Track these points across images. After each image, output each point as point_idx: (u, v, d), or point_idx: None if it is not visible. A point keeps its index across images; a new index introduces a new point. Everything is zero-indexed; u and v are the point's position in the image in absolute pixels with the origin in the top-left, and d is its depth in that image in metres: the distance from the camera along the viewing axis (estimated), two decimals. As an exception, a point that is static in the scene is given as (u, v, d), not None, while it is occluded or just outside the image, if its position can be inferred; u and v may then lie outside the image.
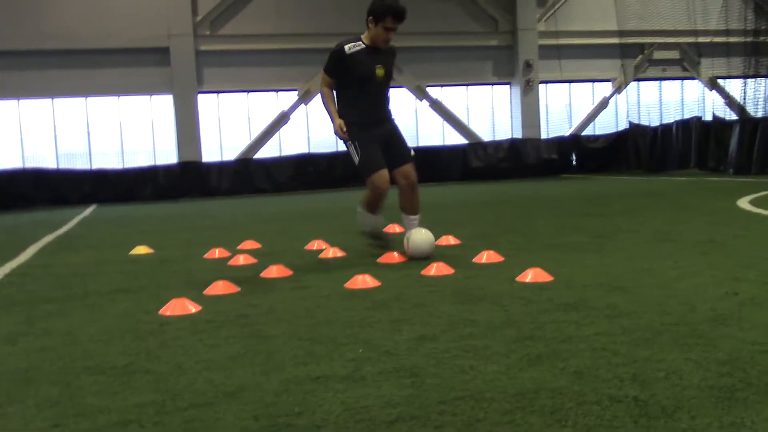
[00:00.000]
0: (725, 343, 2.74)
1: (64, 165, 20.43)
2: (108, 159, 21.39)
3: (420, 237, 5.38)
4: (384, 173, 5.51)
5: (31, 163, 20.34)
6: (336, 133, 5.56)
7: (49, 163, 20.59)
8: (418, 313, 3.57)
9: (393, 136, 5.63)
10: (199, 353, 3.03)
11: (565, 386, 2.34)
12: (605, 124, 25.10)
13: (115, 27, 20.29)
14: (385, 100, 5.62)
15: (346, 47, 5.40)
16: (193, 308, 3.94)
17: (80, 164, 20.65)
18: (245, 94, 22.14)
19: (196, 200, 18.56)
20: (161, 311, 3.91)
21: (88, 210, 15.93)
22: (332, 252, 5.96)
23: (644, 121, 22.69)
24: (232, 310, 3.89)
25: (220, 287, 4.49)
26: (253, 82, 21.74)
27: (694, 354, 2.61)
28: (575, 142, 23.05)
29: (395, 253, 5.45)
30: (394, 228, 7.22)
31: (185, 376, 2.71)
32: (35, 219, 13.55)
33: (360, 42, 5.45)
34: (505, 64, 23.81)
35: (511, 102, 24.21)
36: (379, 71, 5.42)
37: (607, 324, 3.12)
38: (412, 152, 5.66)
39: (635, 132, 21.85)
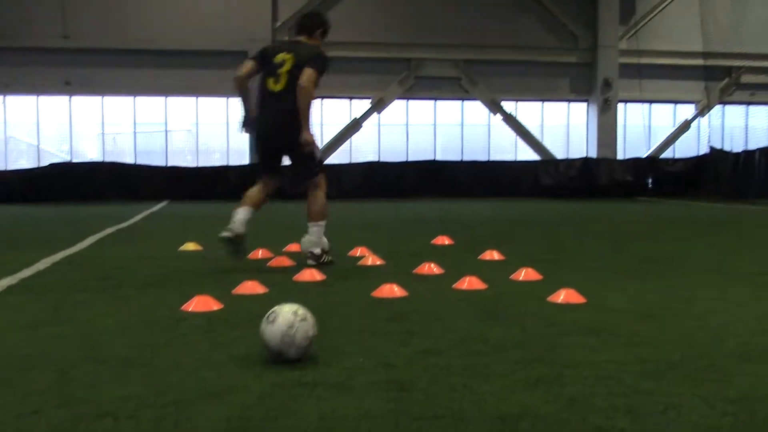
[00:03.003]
0: (742, 381, 2.57)
1: (142, 161, 21.02)
2: (183, 157, 21.92)
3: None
4: None
5: (110, 158, 21.03)
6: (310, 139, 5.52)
7: (127, 158, 21.24)
8: (433, 327, 3.49)
9: None
10: (202, 351, 3.03)
11: (553, 413, 2.23)
12: (686, 148, 24.30)
13: (196, 30, 20.86)
14: None
15: None
16: (215, 306, 3.96)
17: (157, 161, 21.21)
18: (319, 99, 22.39)
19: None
20: (183, 307, 3.94)
21: (158, 206, 16.34)
22: (371, 260, 5.92)
23: (727, 147, 21.84)
24: (251, 311, 3.88)
25: (248, 287, 4.50)
26: (327, 88, 21.90)
27: (702, 390, 2.45)
28: (652, 164, 22.35)
29: (432, 264, 5.38)
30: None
31: (179, 373, 2.70)
32: (106, 212, 13.97)
33: None
34: (584, 81, 23.35)
35: (587, 120, 23.71)
36: None
37: (622, 352, 2.97)
38: None
39: (716, 157, 21.05)
